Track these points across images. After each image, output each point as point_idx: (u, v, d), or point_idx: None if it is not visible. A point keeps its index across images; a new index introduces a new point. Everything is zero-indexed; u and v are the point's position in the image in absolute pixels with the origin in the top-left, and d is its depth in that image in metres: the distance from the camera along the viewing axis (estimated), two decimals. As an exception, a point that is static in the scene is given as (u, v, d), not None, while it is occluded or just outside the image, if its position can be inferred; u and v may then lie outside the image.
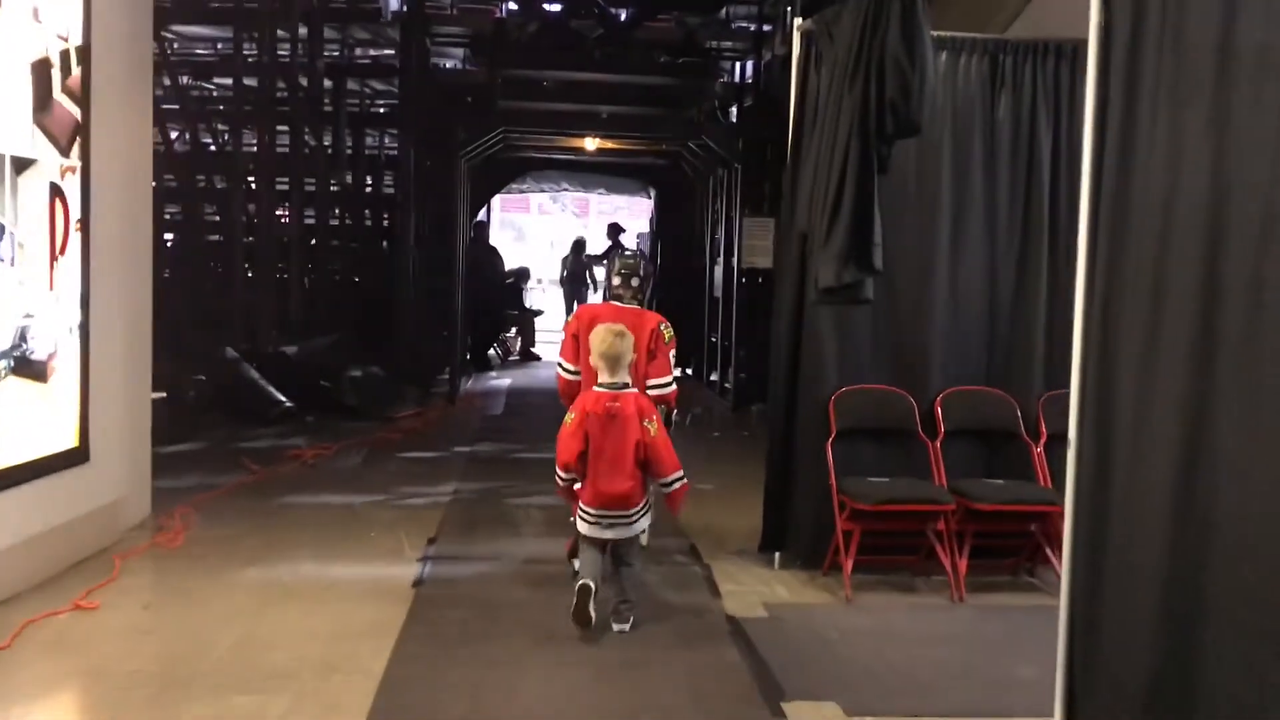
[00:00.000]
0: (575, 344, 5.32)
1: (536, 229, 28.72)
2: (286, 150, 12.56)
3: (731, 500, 7.57)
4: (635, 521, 4.83)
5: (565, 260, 18.98)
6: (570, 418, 4.80)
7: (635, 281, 5.38)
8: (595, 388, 4.77)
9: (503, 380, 14.56)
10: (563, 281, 19.15)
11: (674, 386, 5.39)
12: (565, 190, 16.75)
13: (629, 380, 4.80)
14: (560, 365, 5.48)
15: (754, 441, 10.23)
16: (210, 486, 7.55)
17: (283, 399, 10.48)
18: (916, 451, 5.91)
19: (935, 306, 6.01)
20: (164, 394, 10.73)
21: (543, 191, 17.43)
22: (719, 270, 13.20)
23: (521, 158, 14.94)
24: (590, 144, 13.10)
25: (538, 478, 8.06)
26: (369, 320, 12.53)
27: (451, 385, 11.91)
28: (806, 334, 5.97)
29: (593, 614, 4.64)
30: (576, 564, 5.07)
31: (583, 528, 4.82)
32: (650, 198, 17.32)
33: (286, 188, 12.61)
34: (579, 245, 18.41)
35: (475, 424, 10.82)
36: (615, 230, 18.11)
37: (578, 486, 4.85)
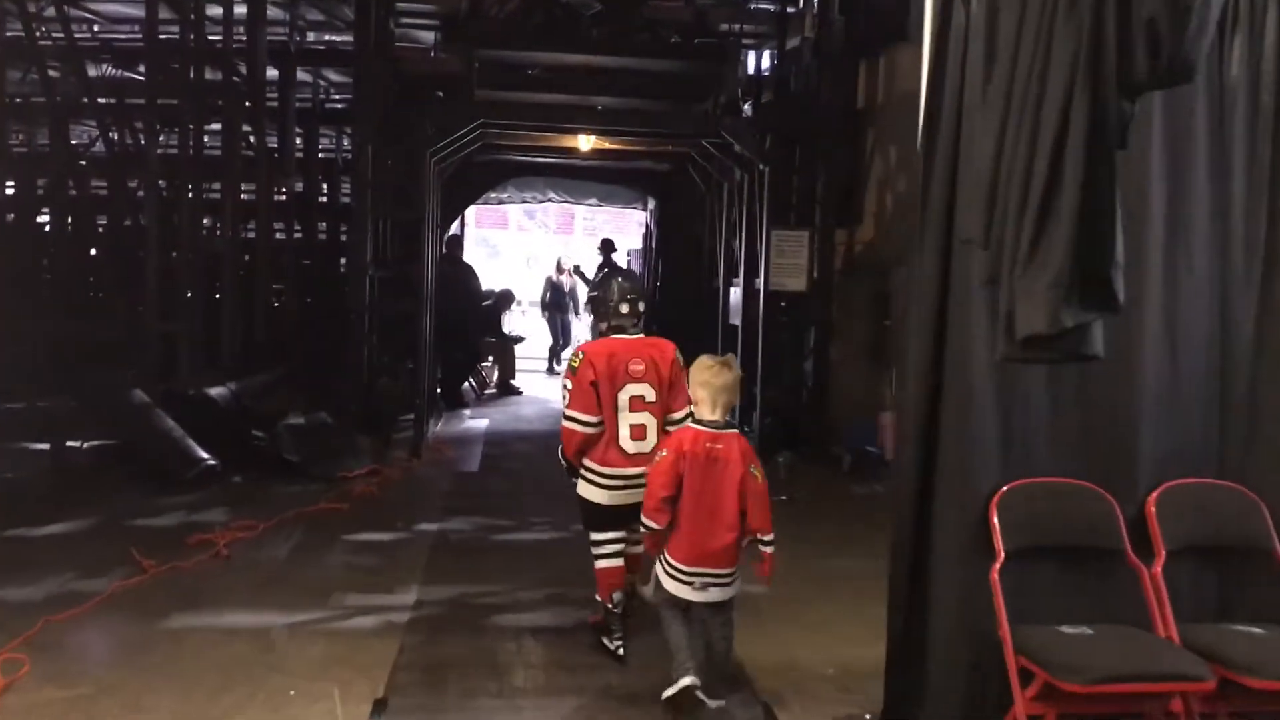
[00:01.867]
0: (594, 393, 4.73)
1: (513, 246, 26.63)
2: (218, 151, 10.45)
3: (798, 612, 5.54)
4: (734, 582, 4.29)
5: (549, 280, 16.72)
6: (663, 454, 4.20)
7: (642, 307, 4.94)
8: (693, 424, 4.22)
9: (479, 421, 12.41)
10: (546, 304, 16.91)
11: (690, 417, 4.52)
12: (551, 200, 14.66)
13: (730, 419, 4.25)
14: (574, 419, 4.79)
15: (797, 508, 8.19)
16: (74, 598, 5.41)
17: (204, 456, 8.33)
18: (1121, 579, 3.87)
19: (1143, 360, 3.99)
20: (46, 445, 8.65)
21: (525, 202, 15.30)
22: (736, 293, 11.14)
23: (501, 161, 12.86)
24: (584, 143, 11.03)
25: (532, 577, 5.97)
26: (318, 353, 10.39)
27: (416, 433, 9.77)
28: (952, 401, 3.92)
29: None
30: (608, 641, 4.82)
31: (670, 585, 4.23)
32: (646, 209, 15.27)
33: (218, 195, 10.50)
34: (608, 247, 15.82)
35: (445, 486, 8.68)
36: (608, 248, 16.02)
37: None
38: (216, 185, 10.56)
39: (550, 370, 16.17)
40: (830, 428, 10.23)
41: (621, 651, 4.80)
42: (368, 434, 9.48)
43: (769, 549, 4.20)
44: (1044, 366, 3.88)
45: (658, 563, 4.27)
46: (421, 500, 8.09)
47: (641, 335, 4.94)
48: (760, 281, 10.15)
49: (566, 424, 4.81)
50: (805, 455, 10.13)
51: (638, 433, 4.76)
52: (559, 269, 16.54)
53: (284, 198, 11.58)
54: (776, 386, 10.35)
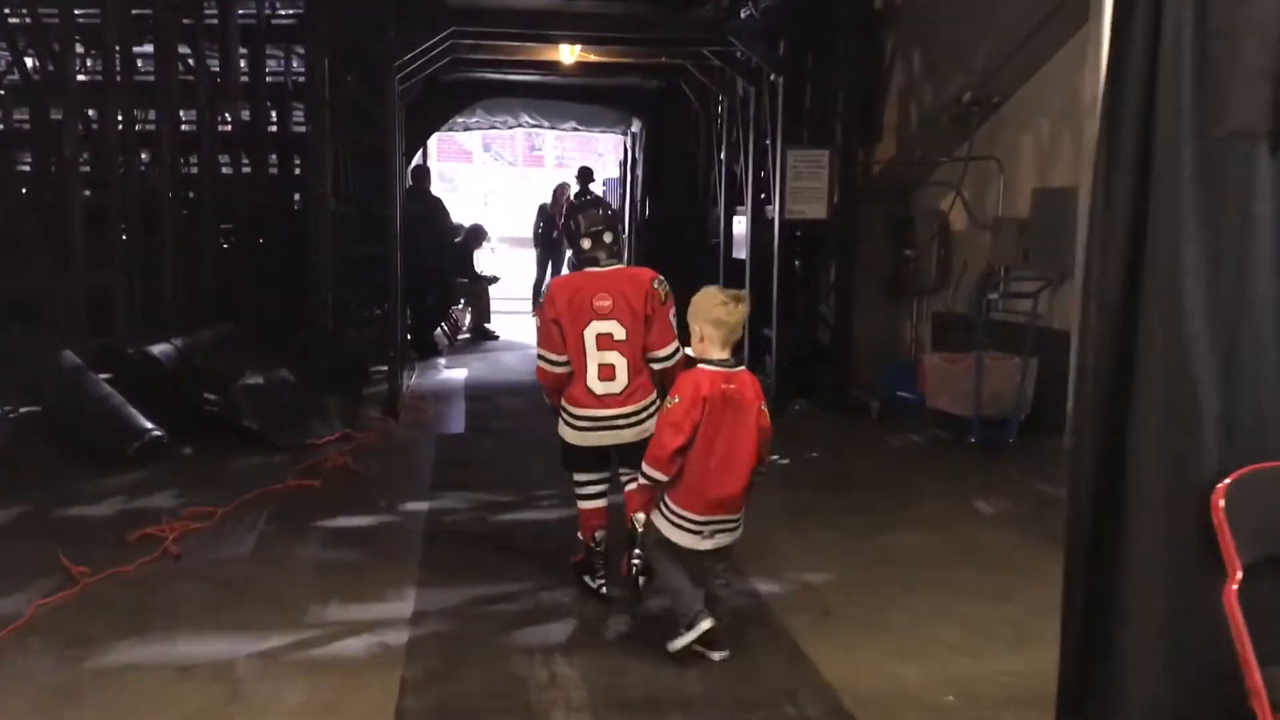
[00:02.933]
0: (558, 331, 4.55)
1: (472, 181, 25.22)
2: (151, 76, 9.13)
3: (876, 610, 4.59)
4: (738, 528, 4.08)
5: (543, 209, 15.36)
6: (676, 400, 3.93)
7: (609, 237, 4.62)
8: (704, 365, 3.95)
9: (456, 372, 11.29)
10: (538, 238, 15.46)
11: (680, 355, 4.54)
12: (524, 125, 13.38)
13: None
14: (542, 358, 4.67)
15: (829, 467, 7.21)
16: (-17, 625, 4.30)
17: (148, 426, 7.19)
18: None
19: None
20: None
21: (494, 128, 13.99)
22: (741, 223, 10.04)
23: (471, 80, 11.56)
24: (567, 54, 9.79)
25: (550, 572, 4.94)
26: (276, 302, 9.20)
27: (391, 390, 8.64)
28: (1154, 363, 2.87)
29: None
30: (590, 580, 4.69)
31: (675, 535, 4.00)
32: (627, 134, 14.03)
33: (153, 126, 9.20)
34: (585, 176, 14.49)
35: (430, 453, 7.58)
36: (585, 176, 14.83)
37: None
38: (152, 114, 9.26)
39: (536, 309, 15.00)
40: (851, 372, 9.22)
41: (605, 590, 4.64)
42: (336, 393, 8.34)
43: (760, 477, 4.08)
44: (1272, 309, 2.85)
45: (658, 509, 4.03)
46: (405, 472, 7.00)
47: (618, 266, 4.64)
48: (773, 209, 9.04)
49: (539, 363, 4.69)
50: (824, 403, 9.13)
51: (606, 372, 4.50)
52: (556, 198, 15.10)
53: (229, 128, 10.27)
54: (789, 327, 9.30)
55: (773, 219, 9.16)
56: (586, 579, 4.71)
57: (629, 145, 14.13)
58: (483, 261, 15.34)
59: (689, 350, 4.19)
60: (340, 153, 9.18)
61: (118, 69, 8.85)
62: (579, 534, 4.83)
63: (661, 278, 4.59)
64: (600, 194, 14.87)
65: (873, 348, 9.60)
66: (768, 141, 9.11)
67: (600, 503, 4.75)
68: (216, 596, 4.71)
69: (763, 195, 9.51)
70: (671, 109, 12.06)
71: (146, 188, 9.01)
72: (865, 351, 9.49)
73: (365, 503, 6.18)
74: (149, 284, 8.67)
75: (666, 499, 3.98)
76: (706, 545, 3.98)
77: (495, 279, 14.32)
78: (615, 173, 17.10)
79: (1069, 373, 7.69)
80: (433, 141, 21.97)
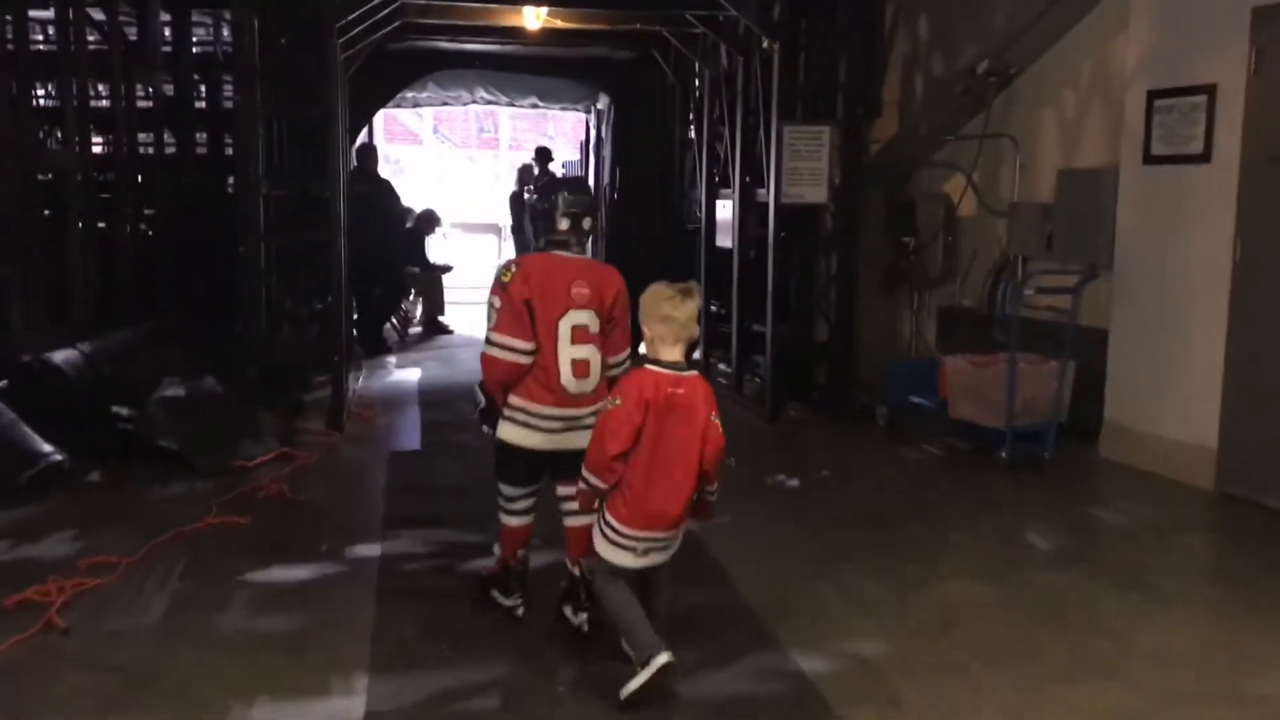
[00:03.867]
0: (528, 313, 3.91)
1: (422, 165, 23.96)
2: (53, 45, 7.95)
3: (953, 699, 3.66)
4: (675, 542, 3.67)
5: (516, 197, 14.07)
6: (616, 402, 3.55)
7: (588, 223, 4.11)
8: (651, 366, 3.55)
9: (408, 373, 10.20)
10: (518, 227, 14.18)
11: (628, 366, 3.95)
12: (479, 101, 12.22)
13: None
14: (500, 345, 3.94)
15: (846, 488, 6.30)
16: None
17: (45, 449, 6.08)
18: None
19: None
20: None
21: (447, 104, 12.81)
22: (726, 208, 9.05)
23: (422, 49, 10.43)
24: (531, 18, 8.70)
25: (542, 650, 3.93)
26: (201, 299, 8.07)
27: (335, 397, 7.55)
28: None
29: None
30: (504, 599, 4.26)
31: (611, 554, 3.60)
32: (591, 111, 12.95)
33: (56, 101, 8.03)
34: (544, 156, 13.45)
35: (381, 476, 6.52)
36: (544, 157, 13.77)
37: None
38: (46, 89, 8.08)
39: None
40: (850, 373, 8.30)
41: (521, 612, 4.21)
42: (271, 404, 7.24)
43: (711, 497, 3.72)
44: None
45: (599, 530, 3.65)
46: (351, 503, 5.95)
47: (586, 257, 4.26)
48: (766, 192, 8.06)
49: (489, 350, 4.01)
50: (824, 408, 8.20)
51: (580, 369, 4.00)
52: (524, 180, 13.85)
53: (150, 103, 9.07)
54: (783, 323, 8.34)
55: (765, 203, 8.18)
56: (497, 595, 4.30)
57: (593, 124, 13.05)
58: (435, 249, 14.23)
59: (641, 348, 3.75)
60: (275, 129, 8.05)
61: (10, 35, 7.64)
62: (495, 547, 4.42)
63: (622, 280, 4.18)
64: (561, 175, 13.79)
65: (868, 345, 8.70)
66: (763, 117, 8.12)
67: (530, 518, 4.32)
68: (109, 693, 3.65)
69: (747, 178, 8.52)
70: (644, 82, 11.01)
71: (55, 168, 7.81)
72: (869, 351, 8.58)
73: (304, 546, 5.12)
74: (51, 278, 7.49)
75: (605, 514, 3.63)
76: (640, 563, 3.63)
77: (448, 268, 13.21)
78: (573, 155, 16.05)
79: (1104, 376, 6.97)
80: (378, 122, 20.83)
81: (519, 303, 3.91)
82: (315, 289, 8.01)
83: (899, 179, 9.24)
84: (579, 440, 3.87)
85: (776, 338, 8.07)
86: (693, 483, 3.57)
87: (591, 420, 3.85)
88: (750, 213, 8.64)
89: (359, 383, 9.46)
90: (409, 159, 23.93)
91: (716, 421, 3.58)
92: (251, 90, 7.21)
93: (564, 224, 4.05)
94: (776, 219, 7.96)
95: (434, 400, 8.84)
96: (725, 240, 9.17)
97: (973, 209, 8.58)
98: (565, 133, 20.14)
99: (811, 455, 7.20)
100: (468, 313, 13.23)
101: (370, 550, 5.10)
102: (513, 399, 4.04)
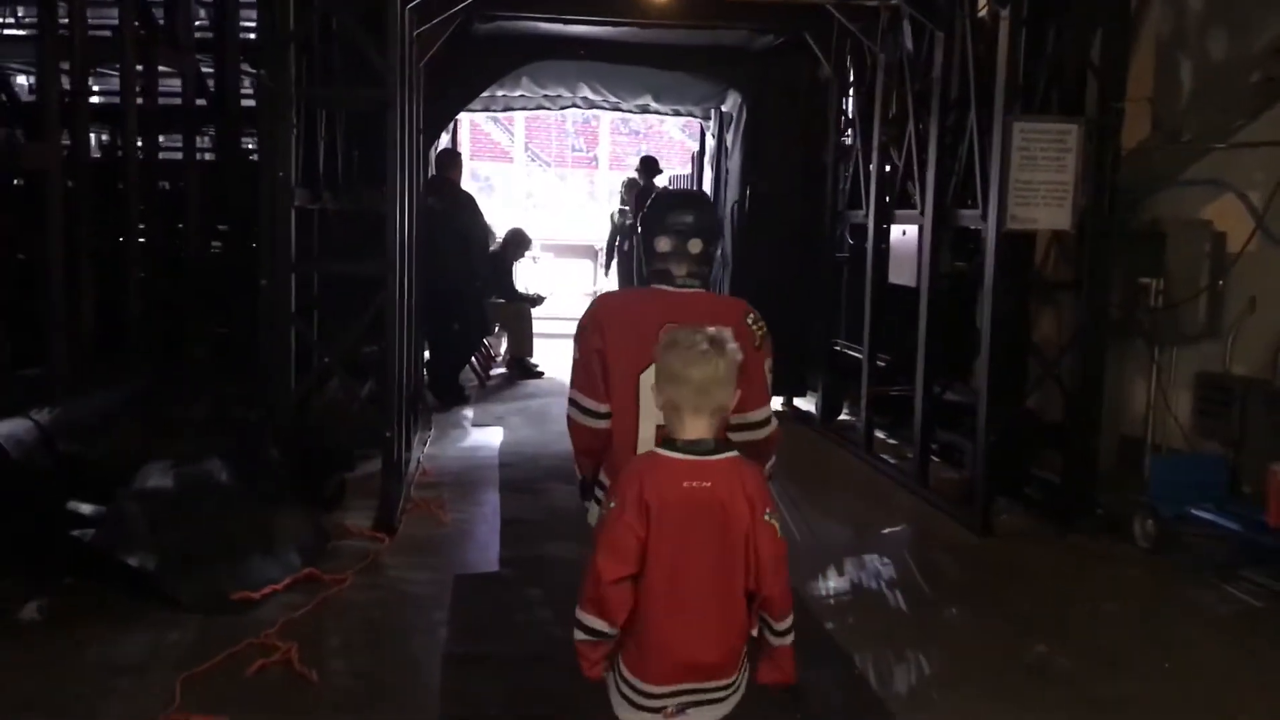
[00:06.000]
0: (600, 363, 2.96)
1: (509, 181, 22.21)
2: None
3: None
4: (728, 698, 2.60)
5: (618, 215, 12.05)
6: (611, 506, 2.53)
7: (696, 245, 3.03)
8: (663, 450, 2.55)
9: (488, 433, 8.17)
10: (615, 248, 12.22)
11: (774, 425, 3.00)
12: (582, 102, 10.19)
13: (720, 438, 2.58)
14: (574, 404, 3.04)
15: (1182, 684, 4.05)
16: None
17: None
18: None
19: None
20: None
21: (543, 107, 10.79)
22: (905, 235, 6.88)
23: (517, 34, 8.47)
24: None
25: None
26: (214, 346, 6.14)
27: (386, 491, 5.52)
28: None
29: None
30: None
31: (630, 716, 2.60)
32: (709, 119, 10.84)
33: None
34: (650, 168, 11.58)
35: (439, 626, 4.43)
36: (650, 169, 11.74)
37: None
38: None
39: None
40: (1093, 466, 6.06)
41: None
42: (299, 496, 5.24)
43: (784, 640, 2.56)
44: None
45: (612, 680, 2.60)
46: (390, 681, 3.86)
47: (698, 290, 3.05)
48: (983, 215, 5.86)
49: (570, 410, 3.05)
50: (1046, 513, 5.99)
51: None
52: (631, 197, 11.92)
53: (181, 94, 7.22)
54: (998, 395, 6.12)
55: (969, 229, 5.98)
56: None
57: (712, 131, 10.93)
58: (523, 276, 12.26)
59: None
60: (322, 119, 6.08)
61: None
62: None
63: (757, 313, 3.02)
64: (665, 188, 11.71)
65: (1109, 426, 6.45)
66: (975, 112, 5.94)
67: None
68: None
69: (948, 195, 6.35)
70: (787, 76, 8.84)
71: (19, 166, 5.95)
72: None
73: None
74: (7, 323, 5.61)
75: (620, 664, 2.59)
76: None
77: (540, 299, 11.19)
78: (683, 170, 14.00)
79: None
80: (463, 137, 19.07)
81: (590, 353, 3.00)
82: (364, 337, 5.98)
83: (1135, 199, 6.99)
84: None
85: (993, 412, 5.86)
86: (739, 615, 2.57)
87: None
88: (943, 241, 6.46)
89: (426, 447, 7.47)
90: (500, 177, 22.24)
91: (771, 522, 2.56)
92: (282, 64, 5.24)
93: (664, 244, 3.04)
94: (996, 251, 5.76)
95: (519, 478, 6.78)
96: (901, 276, 7.01)
97: (1251, 243, 6.30)
98: (664, 154, 18.08)
99: (1068, 598, 4.96)
100: (561, 350, 11.19)
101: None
102: (601, 474, 3.06)
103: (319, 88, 5.90)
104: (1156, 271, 6.69)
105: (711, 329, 2.55)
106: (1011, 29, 5.60)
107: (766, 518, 2.53)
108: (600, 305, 3.10)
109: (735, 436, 2.77)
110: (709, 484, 2.52)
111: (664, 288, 3.04)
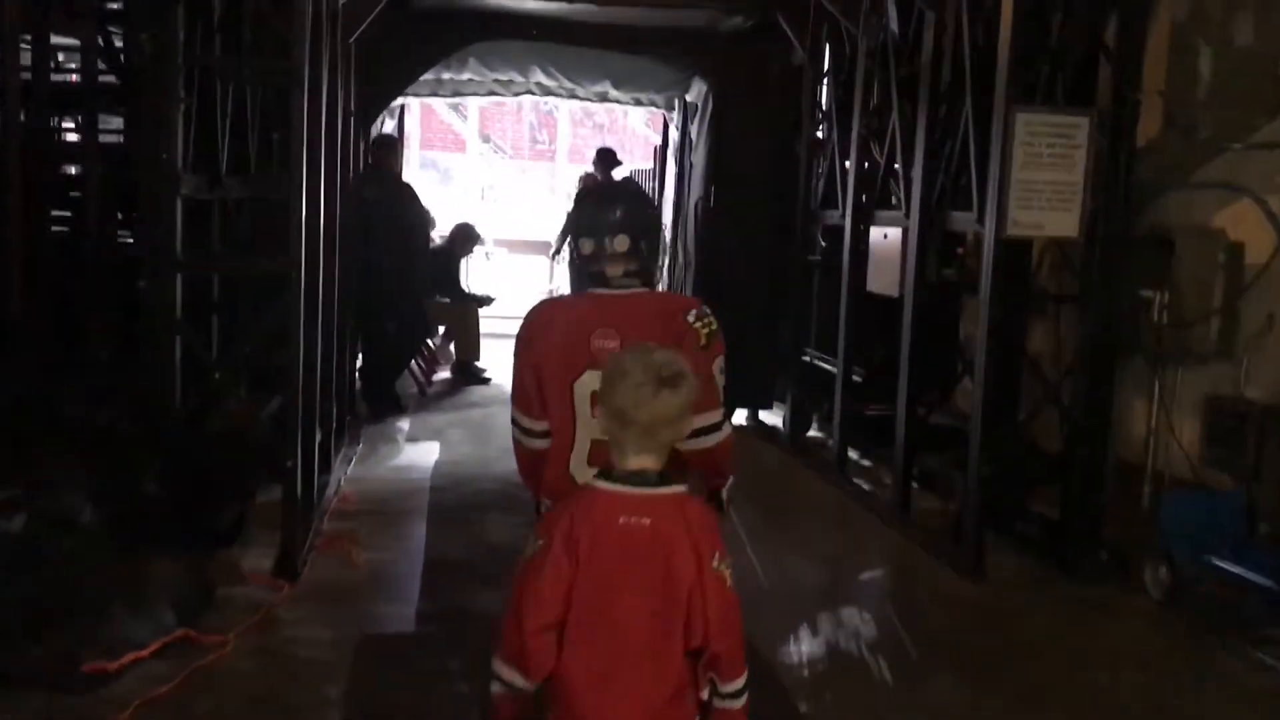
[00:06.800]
0: (533, 378, 2.74)
1: (467, 174, 21.34)
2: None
3: None
4: None
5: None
6: (538, 545, 2.23)
7: (624, 243, 2.74)
8: (598, 481, 2.28)
9: (423, 449, 7.39)
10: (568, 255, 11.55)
11: (726, 432, 2.75)
12: (536, 88, 9.39)
13: (665, 468, 2.28)
14: (515, 424, 2.83)
15: None
16: None
17: None
18: None
19: None
20: None
21: (494, 94, 9.98)
22: (886, 237, 6.19)
23: (463, 9, 7.68)
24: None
25: None
26: (121, 347, 5.33)
27: (287, 531, 4.73)
28: None
29: None
30: None
31: None
32: (672, 109, 10.10)
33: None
34: (608, 159, 10.79)
35: (336, 697, 3.68)
36: (608, 160, 10.98)
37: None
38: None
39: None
40: (1099, 505, 5.41)
41: None
42: (180, 536, 4.44)
43: (735, 703, 2.24)
44: None
45: None
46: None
47: (638, 290, 2.76)
48: (980, 218, 5.17)
49: (513, 430, 2.84)
50: (1053, 557, 5.33)
51: (601, 454, 2.42)
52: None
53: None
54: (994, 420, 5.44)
55: (963, 234, 5.29)
56: None
57: (675, 122, 10.18)
58: (472, 274, 11.46)
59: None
60: (218, 93, 5.25)
61: None
62: None
63: (704, 309, 2.73)
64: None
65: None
66: (970, 102, 5.25)
67: None
68: None
69: (935, 195, 5.66)
70: (756, 63, 8.11)
71: None
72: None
73: None
74: None
75: None
76: None
77: (488, 300, 10.39)
78: (646, 165, 13.23)
79: None
80: (414, 123, 18.16)
81: (525, 367, 2.77)
82: (268, 349, 5.16)
83: (1140, 202, 6.36)
84: None
85: (987, 441, 5.17)
86: (677, 680, 2.18)
87: None
88: (930, 247, 5.78)
89: (351, 466, 6.69)
90: (458, 168, 21.39)
91: (721, 571, 2.20)
92: (168, 25, 4.43)
93: (588, 246, 2.77)
94: (994, 259, 5.07)
95: (451, 505, 6.03)
96: (881, 283, 6.33)
97: (1269, 254, 5.67)
98: (626, 149, 17.27)
99: (1079, 663, 4.28)
100: (509, 353, 10.42)
101: None
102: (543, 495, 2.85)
103: (220, 56, 5.08)
104: (1161, 283, 6.07)
105: (664, 355, 2.26)
106: (1015, 6, 4.90)
107: (716, 565, 2.22)
108: (534, 315, 2.85)
109: (683, 445, 2.50)
110: (647, 521, 2.22)
111: (599, 290, 2.79)
